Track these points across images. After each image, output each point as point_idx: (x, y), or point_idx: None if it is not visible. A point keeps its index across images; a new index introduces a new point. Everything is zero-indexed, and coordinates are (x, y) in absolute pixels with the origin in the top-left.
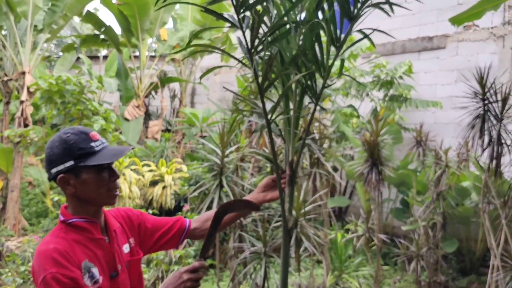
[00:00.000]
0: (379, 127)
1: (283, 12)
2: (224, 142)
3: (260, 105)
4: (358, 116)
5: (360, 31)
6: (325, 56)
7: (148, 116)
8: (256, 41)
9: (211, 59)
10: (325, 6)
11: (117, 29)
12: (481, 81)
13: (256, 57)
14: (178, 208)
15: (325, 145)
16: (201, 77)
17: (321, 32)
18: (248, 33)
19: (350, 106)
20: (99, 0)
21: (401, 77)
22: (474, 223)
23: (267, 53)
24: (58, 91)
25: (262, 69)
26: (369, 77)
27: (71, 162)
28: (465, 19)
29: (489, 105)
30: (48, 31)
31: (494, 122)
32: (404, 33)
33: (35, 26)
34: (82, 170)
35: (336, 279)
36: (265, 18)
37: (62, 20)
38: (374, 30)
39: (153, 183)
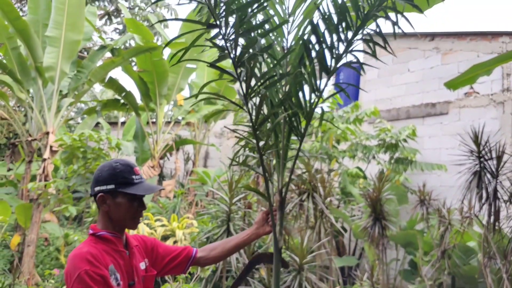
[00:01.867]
0: (381, 183)
1: (271, 66)
2: (232, 190)
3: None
4: (365, 177)
5: (336, 84)
6: (307, 100)
7: (162, 177)
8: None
9: (225, 123)
10: (307, 62)
11: (137, 95)
12: (476, 140)
13: (251, 102)
14: None
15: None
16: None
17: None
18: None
19: (357, 167)
20: (120, 67)
21: (405, 140)
22: (482, 283)
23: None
24: (80, 147)
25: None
26: (375, 141)
27: (112, 186)
28: (459, 84)
29: (485, 163)
30: (72, 96)
31: (490, 178)
32: (409, 100)
33: (61, 91)
34: (119, 195)
35: None
36: (258, 71)
37: (86, 85)
38: (349, 84)
39: (165, 237)
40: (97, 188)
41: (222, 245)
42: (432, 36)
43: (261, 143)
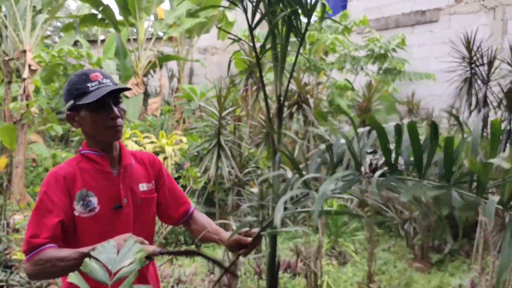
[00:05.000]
0: (370, 93)
1: None
2: (221, 104)
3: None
4: (353, 89)
5: None
6: None
7: (147, 95)
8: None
9: (208, 39)
10: None
11: (115, 9)
12: (468, 45)
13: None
14: (178, 178)
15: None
16: None
17: None
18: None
19: (345, 79)
20: None
21: (394, 50)
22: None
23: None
24: (60, 64)
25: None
26: (363, 51)
27: (71, 101)
28: None
29: (476, 69)
30: (47, 12)
31: (481, 85)
32: (398, 7)
33: (34, 6)
34: (81, 109)
35: (332, 244)
36: None
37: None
38: None
39: (154, 154)
40: (65, 108)
41: (203, 227)
42: None
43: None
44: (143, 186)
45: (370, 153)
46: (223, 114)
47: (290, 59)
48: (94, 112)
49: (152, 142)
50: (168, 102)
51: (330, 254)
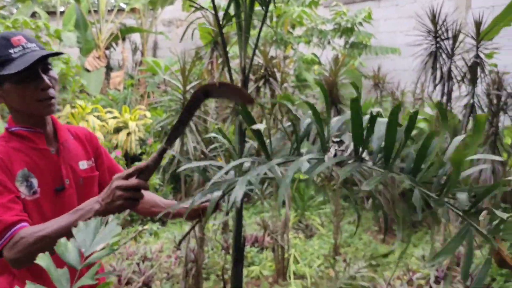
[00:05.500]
0: (337, 67)
1: None
2: (186, 77)
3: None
4: (319, 63)
5: None
6: None
7: (109, 69)
8: None
9: (173, 11)
10: None
11: None
12: (433, 19)
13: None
14: (142, 154)
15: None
16: None
17: None
18: None
19: (312, 53)
20: None
21: (361, 24)
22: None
23: None
24: None
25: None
26: (330, 25)
27: None
28: None
29: (441, 43)
30: None
31: (446, 59)
32: None
33: None
34: (4, 81)
35: (299, 217)
36: None
37: None
38: None
39: (117, 129)
40: None
41: (150, 204)
42: None
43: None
44: (83, 164)
45: (337, 142)
46: (188, 88)
47: (258, 31)
48: (20, 84)
49: (114, 117)
50: (132, 76)
51: (297, 227)
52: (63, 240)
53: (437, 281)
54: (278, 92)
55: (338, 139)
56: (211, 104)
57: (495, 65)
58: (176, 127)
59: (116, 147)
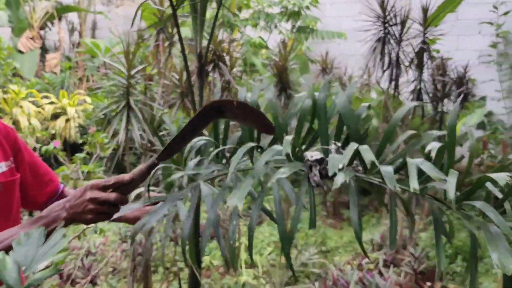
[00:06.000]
0: (287, 52)
1: None
2: (130, 61)
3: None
4: (267, 47)
5: None
6: None
7: (44, 50)
8: None
9: None
10: None
11: None
12: (382, 4)
13: None
14: (83, 144)
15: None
16: None
17: None
18: None
19: (259, 37)
20: None
21: (308, 8)
22: (373, 146)
23: None
24: None
25: None
26: (277, 8)
27: None
28: None
29: (390, 28)
30: None
31: (394, 44)
32: None
33: None
34: None
35: (248, 204)
36: None
37: None
38: None
39: (55, 116)
40: None
41: None
42: None
43: None
44: (1, 167)
45: (316, 160)
46: (133, 72)
47: (212, 13)
48: None
49: (52, 103)
50: (69, 58)
51: (246, 214)
52: (0, 255)
53: (386, 265)
54: (228, 77)
55: (316, 157)
56: (156, 88)
57: (438, 51)
58: (174, 143)
59: (54, 136)
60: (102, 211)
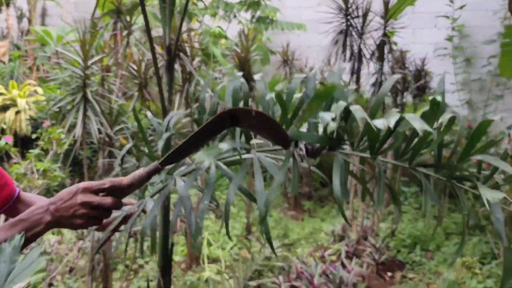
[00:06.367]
0: (249, 43)
1: None
2: (87, 50)
3: None
4: (226, 37)
5: None
6: None
7: None
8: None
9: None
10: None
11: None
12: None
13: None
14: (36, 139)
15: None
16: None
17: None
18: None
19: (218, 27)
20: None
21: None
22: None
23: None
24: None
25: None
26: None
27: None
28: None
29: (352, 21)
30: None
31: (356, 37)
32: None
33: None
34: None
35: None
36: None
37: None
38: None
39: (4, 108)
40: None
41: None
42: None
43: None
44: None
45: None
46: (89, 62)
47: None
48: None
49: (0, 94)
50: (18, 46)
51: (209, 208)
52: None
53: (348, 256)
54: (189, 68)
55: None
56: (113, 79)
57: (396, 44)
58: (182, 149)
59: (3, 130)
60: (94, 215)
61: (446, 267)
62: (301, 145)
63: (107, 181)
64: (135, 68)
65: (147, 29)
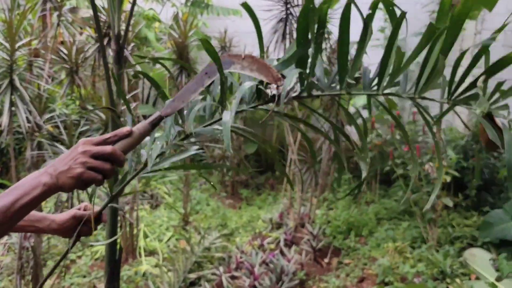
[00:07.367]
0: (187, 27)
1: None
2: (13, 34)
3: None
4: (159, 21)
5: None
6: None
7: None
8: None
9: None
10: None
11: None
12: None
13: None
14: None
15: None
16: None
17: None
18: None
19: (151, 9)
20: None
21: None
22: (270, 126)
23: None
24: None
25: None
26: None
27: None
28: None
29: (291, 9)
30: None
31: (295, 26)
32: None
33: None
34: None
35: (143, 187)
36: None
37: None
38: None
39: None
40: None
41: (36, 218)
42: None
43: None
44: None
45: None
46: (17, 46)
47: None
48: None
49: None
50: None
51: (141, 197)
52: None
53: (286, 244)
54: (125, 54)
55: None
56: (43, 63)
57: (331, 33)
58: (182, 95)
59: None
60: (95, 166)
61: (379, 252)
62: (272, 86)
63: (109, 133)
64: (65, 52)
65: (95, 15)
